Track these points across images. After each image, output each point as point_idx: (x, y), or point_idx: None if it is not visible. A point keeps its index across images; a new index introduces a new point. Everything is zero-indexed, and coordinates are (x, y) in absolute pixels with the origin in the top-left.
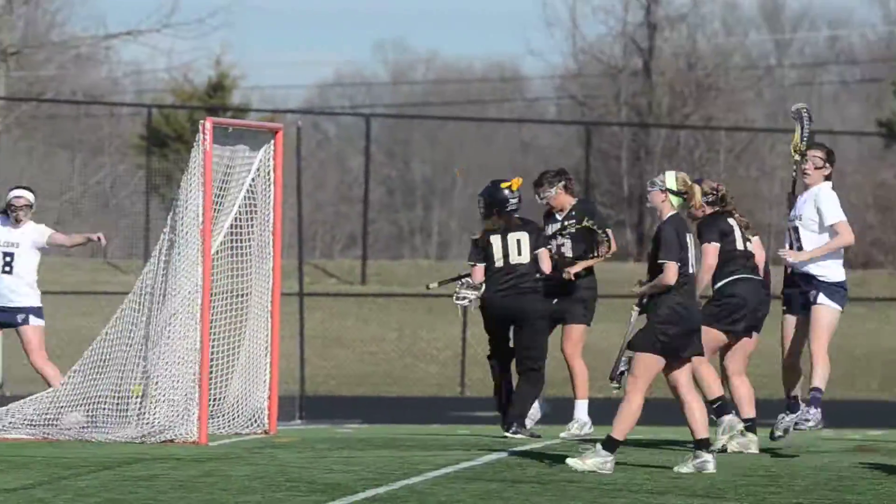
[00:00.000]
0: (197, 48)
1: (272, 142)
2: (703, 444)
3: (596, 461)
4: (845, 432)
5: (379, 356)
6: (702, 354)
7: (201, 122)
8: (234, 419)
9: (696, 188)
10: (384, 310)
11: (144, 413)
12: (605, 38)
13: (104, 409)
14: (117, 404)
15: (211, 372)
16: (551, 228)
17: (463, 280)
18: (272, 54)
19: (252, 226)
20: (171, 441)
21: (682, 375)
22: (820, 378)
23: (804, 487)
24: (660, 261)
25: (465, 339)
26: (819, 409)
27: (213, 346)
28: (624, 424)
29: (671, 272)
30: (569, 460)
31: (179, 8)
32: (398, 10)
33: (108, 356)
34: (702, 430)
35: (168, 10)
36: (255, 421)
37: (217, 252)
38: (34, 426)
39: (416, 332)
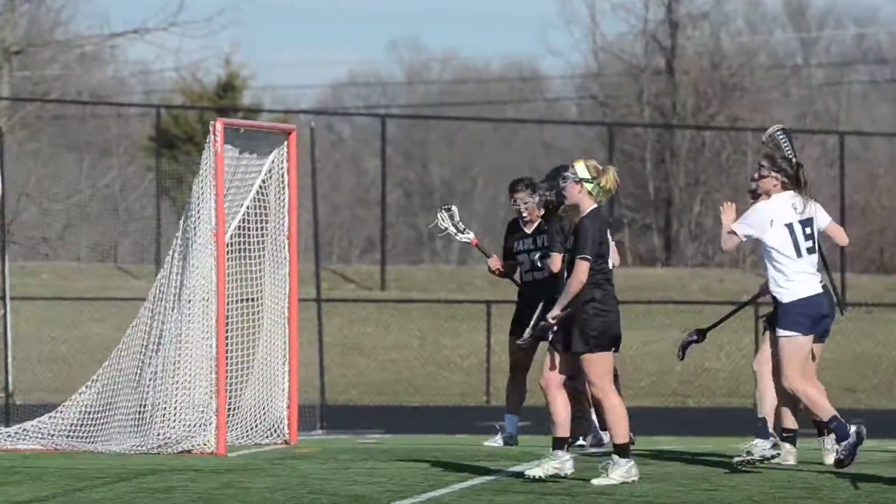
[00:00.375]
0: (205, 47)
1: (285, 143)
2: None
3: (620, 472)
4: (886, 443)
5: (400, 364)
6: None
7: (212, 123)
8: (253, 429)
9: (610, 170)
10: (405, 316)
11: (160, 423)
12: (626, 37)
13: (119, 419)
14: (133, 414)
15: (228, 380)
16: (522, 243)
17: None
18: (283, 54)
19: (265, 230)
20: (189, 452)
21: (554, 377)
22: (815, 407)
23: (845, 500)
24: (577, 256)
25: (489, 346)
26: (846, 437)
27: (228, 354)
28: (619, 427)
29: (582, 270)
30: (594, 481)
31: (186, 6)
32: (412, 9)
33: (124, 366)
34: (565, 430)
35: (175, 8)
36: (275, 431)
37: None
38: (46, 437)
39: (438, 339)
